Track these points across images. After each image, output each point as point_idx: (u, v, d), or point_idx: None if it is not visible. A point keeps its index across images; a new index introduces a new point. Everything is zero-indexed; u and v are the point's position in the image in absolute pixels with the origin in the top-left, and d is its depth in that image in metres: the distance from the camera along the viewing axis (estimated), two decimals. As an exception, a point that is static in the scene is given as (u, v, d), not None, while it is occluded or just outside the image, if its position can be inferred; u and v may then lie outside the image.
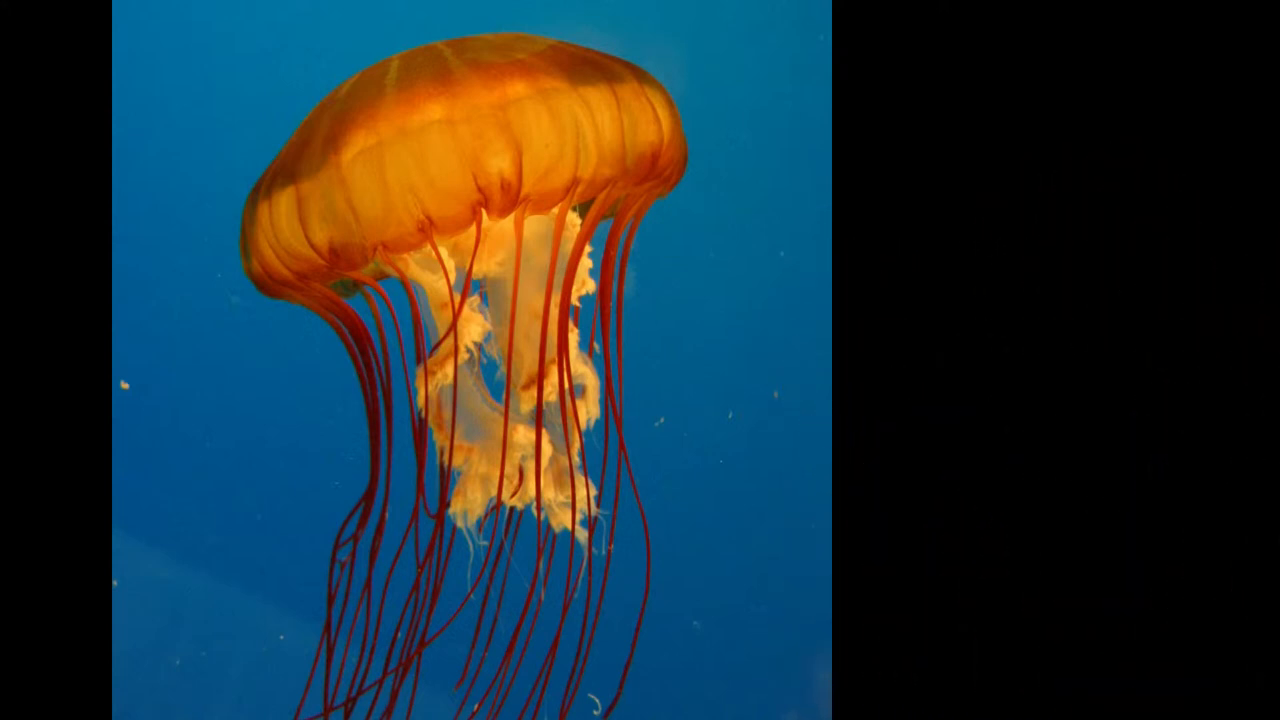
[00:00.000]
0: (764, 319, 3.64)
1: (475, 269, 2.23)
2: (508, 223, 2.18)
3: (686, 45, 3.47)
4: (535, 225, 2.26)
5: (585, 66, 2.16)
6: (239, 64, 3.39)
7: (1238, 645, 2.94)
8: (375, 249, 2.11)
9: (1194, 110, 2.91)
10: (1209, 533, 2.94)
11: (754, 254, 3.50)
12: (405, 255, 2.17)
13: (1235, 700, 2.92)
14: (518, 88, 2.09)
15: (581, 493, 2.30)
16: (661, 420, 3.17)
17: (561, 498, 2.31)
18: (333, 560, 2.34)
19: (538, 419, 2.24)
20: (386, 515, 2.31)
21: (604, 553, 2.33)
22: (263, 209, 2.16)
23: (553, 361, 2.26)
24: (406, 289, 2.21)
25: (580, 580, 2.29)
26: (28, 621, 2.55)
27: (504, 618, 2.34)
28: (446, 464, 2.26)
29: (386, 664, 2.31)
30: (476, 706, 2.37)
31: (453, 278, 2.22)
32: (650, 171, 2.22)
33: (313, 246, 2.12)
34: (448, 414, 2.25)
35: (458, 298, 2.21)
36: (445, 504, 2.28)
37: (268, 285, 2.25)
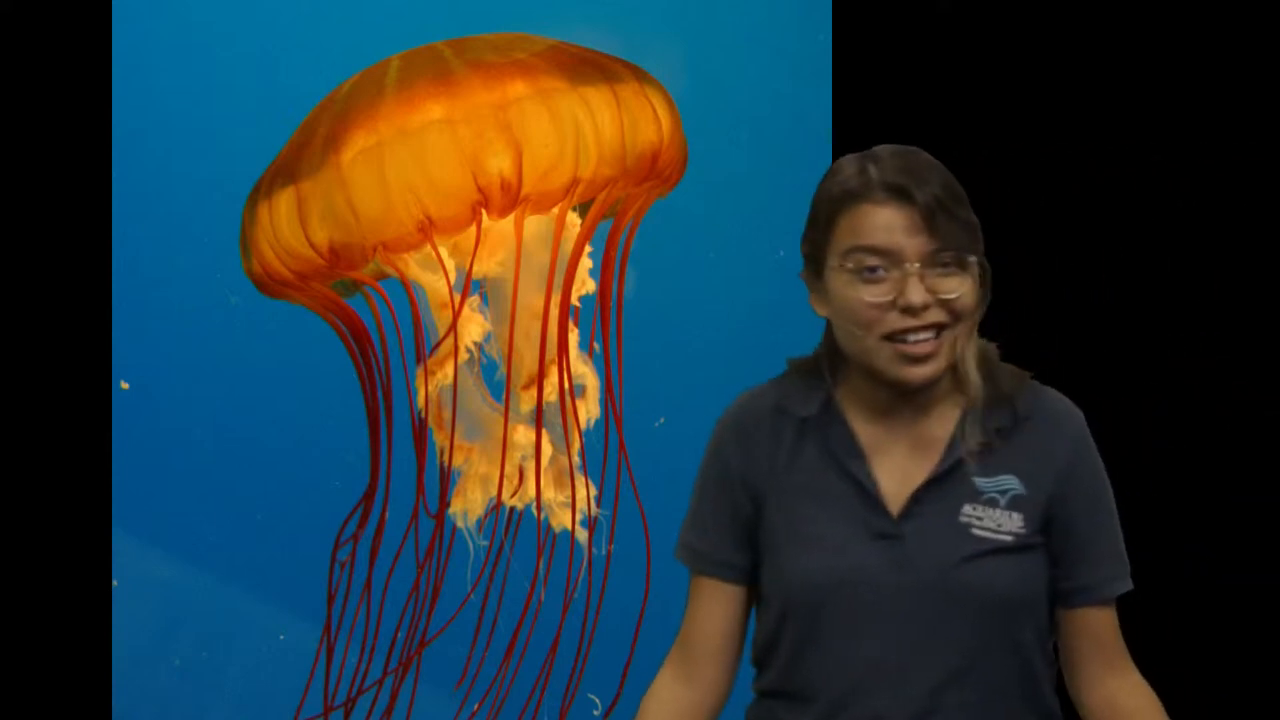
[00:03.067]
0: (764, 319, 3.63)
1: (475, 269, 2.23)
2: (508, 223, 2.18)
3: (686, 45, 3.46)
4: (535, 225, 2.26)
5: (585, 66, 2.16)
6: (239, 64, 3.39)
7: (1237, 643, 2.94)
8: (375, 249, 2.11)
9: (1194, 110, 2.91)
10: (1209, 532, 2.94)
11: (754, 254, 3.49)
12: (405, 255, 2.17)
13: (1236, 697, 2.92)
14: (518, 88, 2.09)
15: (581, 493, 2.30)
16: (661, 420, 3.17)
17: (561, 498, 2.31)
18: (333, 560, 2.34)
19: (538, 419, 2.24)
20: (386, 515, 2.31)
21: (604, 553, 2.33)
22: (263, 209, 2.16)
23: (553, 361, 2.26)
24: (406, 289, 2.21)
25: (580, 580, 2.29)
26: (28, 621, 2.56)
27: (504, 618, 2.34)
28: (446, 464, 2.26)
29: (386, 664, 2.31)
30: (476, 706, 2.37)
31: (453, 278, 2.22)
32: (650, 171, 2.22)
33: (313, 246, 2.12)
34: (448, 414, 2.25)
35: (458, 298, 2.20)
36: (445, 504, 2.28)
37: (268, 285, 2.24)
